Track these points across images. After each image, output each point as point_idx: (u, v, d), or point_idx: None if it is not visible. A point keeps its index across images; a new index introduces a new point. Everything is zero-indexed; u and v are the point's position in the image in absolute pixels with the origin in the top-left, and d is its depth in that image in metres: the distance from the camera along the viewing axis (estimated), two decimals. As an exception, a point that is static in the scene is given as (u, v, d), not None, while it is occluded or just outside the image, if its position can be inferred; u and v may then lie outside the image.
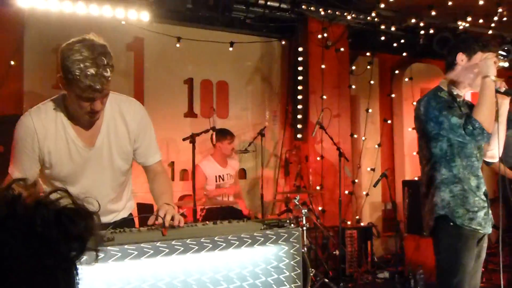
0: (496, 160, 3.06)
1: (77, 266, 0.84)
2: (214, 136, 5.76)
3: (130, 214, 2.79)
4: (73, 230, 0.82)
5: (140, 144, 2.61)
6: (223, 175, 5.80)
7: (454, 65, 2.95)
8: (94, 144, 2.48)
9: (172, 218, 2.30)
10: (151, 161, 2.69)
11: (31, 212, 0.79)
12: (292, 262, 2.33)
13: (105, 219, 2.57)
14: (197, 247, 2.08)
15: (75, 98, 2.27)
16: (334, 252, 6.01)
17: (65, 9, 5.02)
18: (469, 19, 6.64)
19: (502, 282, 2.97)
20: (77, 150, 2.45)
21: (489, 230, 2.91)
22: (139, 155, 2.64)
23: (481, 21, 6.77)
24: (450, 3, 5.83)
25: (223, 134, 5.78)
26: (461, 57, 2.91)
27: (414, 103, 3.18)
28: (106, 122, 2.50)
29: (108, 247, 1.90)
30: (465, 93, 3.03)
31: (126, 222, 2.50)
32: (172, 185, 2.73)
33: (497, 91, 2.79)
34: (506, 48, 7.11)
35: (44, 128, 2.39)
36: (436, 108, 2.85)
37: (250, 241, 2.21)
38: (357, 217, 7.05)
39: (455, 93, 2.95)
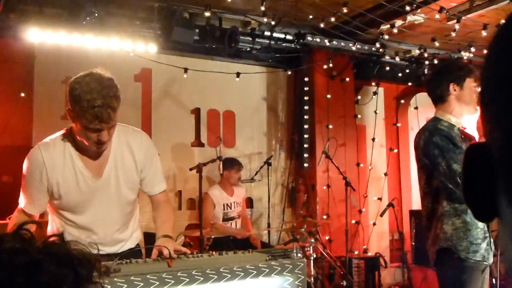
0: None
1: None
2: (221, 165, 5.80)
3: (138, 245, 2.81)
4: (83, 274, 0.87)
5: (146, 174, 2.65)
6: (230, 203, 5.82)
7: (448, 96, 2.99)
8: (101, 175, 2.52)
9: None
10: (156, 191, 2.72)
11: (42, 254, 0.85)
12: (297, 294, 2.32)
13: (112, 249, 2.59)
14: (202, 278, 2.09)
15: (83, 129, 2.32)
16: (341, 283, 5.94)
17: (74, 42, 5.13)
18: (472, 49, 6.72)
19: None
20: (85, 181, 2.49)
21: (491, 261, 2.89)
22: (145, 185, 2.68)
23: (485, 51, 6.83)
24: (453, 34, 5.91)
25: (231, 163, 5.83)
26: (453, 87, 2.97)
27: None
28: (113, 153, 2.54)
29: (114, 279, 1.92)
30: (462, 120, 3.05)
31: (133, 253, 2.52)
32: (173, 215, 2.77)
33: None
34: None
35: (53, 160, 2.44)
36: (437, 146, 2.85)
37: (255, 272, 2.22)
38: (364, 246, 7.00)
39: (453, 120, 2.98)
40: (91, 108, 2.21)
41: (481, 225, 2.86)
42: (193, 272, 2.07)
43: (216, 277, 2.12)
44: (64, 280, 0.85)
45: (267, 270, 2.25)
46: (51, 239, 0.89)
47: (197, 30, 5.67)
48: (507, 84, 0.57)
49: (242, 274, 2.18)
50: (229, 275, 2.15)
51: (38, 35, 5.00)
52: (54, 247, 0.88)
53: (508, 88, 0.56)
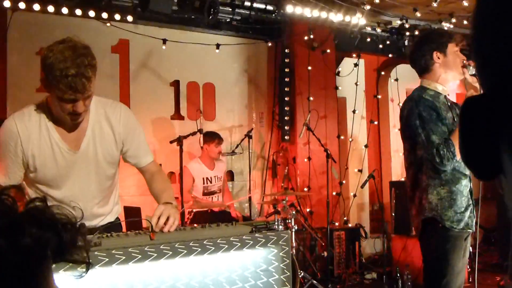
0: None
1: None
2: (201, 139, 5.74)
3: (117, 218, 2.75)
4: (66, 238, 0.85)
5: (129, 146, 2.57)
6: (210, 177, 5.78)
7: (432, 65, 2.98)
8: (79, 148, 2.44)
9: (169, 218, 2.27)
10: (144, 162, 2.65)
11: (24, 217, 0.83)
12: (281, 265, 2.31)
13: (91, 223, 2.54)
14: (185, 251, 2.06)
15: (57, 100, 2.23)
16: (322, 254, 6.01)
17: (48, 11, 4.96)
18: (453, 20, 6.70)
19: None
20: (62, 154, 2.41)
21: (474, 227, 2.93)
22: (131, 157, 2.61)
23: (465, 22, 6.83)
24: (434, 4, 5.87)
25: (211, 137, 5.76)
26: (437, 55, 2.96)
27: (400, 104, 3.19)
28: (91, 125, 2.46)
29: (95, 252, 1.87)
30: (448, 88, 3.06)
31: (113, 227, 2.47)
32: (169, 182, 2.71)
33: (475, 75, 2.81)
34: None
35: (28, 132, 2.35)
36: (419, 116, 2.84)
37: (239, 244, 2.19)
38: (345, 218, 7.06)
39: (440, 88, 2.98)
40: (64, 77, 2.12)
41: (465, 193, 2.88)
42: (176, 245, 2.04)
43: (199, 249, 2.09)
44: (48, 243, 0.82)
45: (251, 242, 2.22)
46: (34, 203, 0.85)
47: (175, 0, 5.52)
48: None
49: (226, 246, 2.15)
50: (213, 248, 2.12)
51: (10, 4, 4.81)
52: (37, 210, 0.85)
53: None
